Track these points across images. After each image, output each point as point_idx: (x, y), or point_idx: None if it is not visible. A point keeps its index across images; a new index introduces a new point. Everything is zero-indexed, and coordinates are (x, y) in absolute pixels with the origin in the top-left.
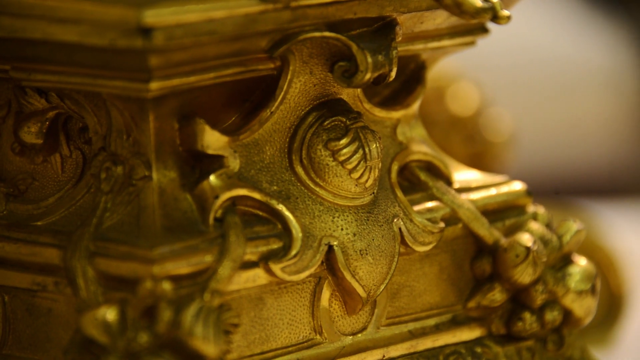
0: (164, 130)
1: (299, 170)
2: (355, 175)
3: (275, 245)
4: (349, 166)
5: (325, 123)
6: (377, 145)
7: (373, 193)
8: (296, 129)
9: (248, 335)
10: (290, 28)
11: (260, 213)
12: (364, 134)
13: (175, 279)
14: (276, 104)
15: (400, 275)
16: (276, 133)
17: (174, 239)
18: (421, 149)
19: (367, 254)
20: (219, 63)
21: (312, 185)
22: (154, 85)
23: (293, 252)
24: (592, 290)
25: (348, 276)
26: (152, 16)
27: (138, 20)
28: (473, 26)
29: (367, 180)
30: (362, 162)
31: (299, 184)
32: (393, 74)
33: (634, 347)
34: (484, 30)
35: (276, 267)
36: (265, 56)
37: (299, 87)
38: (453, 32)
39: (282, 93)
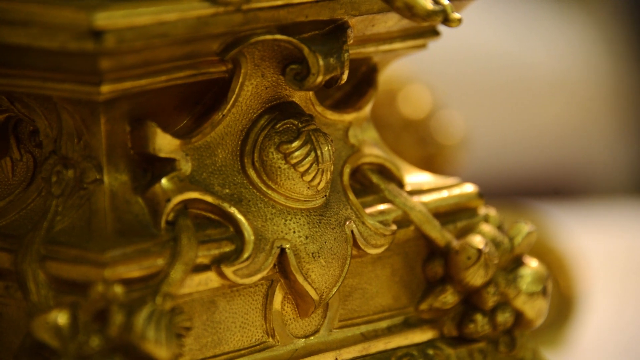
0: (115, 134)
1: (251, 173)
2: (308, 178)
3: (228, 248)
4: (301, 169)
5: (277, 126)
6: (329, 148)
7: (325, 196)
8: (248, 131)
9: (200, 338)
10: (242, 31)
11: (212, 216)
12: (315, 136)
13: (127, 282)
14: (228, 107)
15: (353, 277)
16: (228, 136)
17: (125, 242)
18: (373, 151)
19: (319, 256)
20: (170, 66)
21: (264, 188)
22: (105, 88)
23: (245, 255)
24: (544, 292)
25: (300, 279)
26: (103, 19)
27: (89, 23)
28: (424, 29)
29: (319, 183)
30: (314, 165)
31: (251, 187)
32: (345, 76)
33: (585, 348)
34: (435, 33)
35: (228, 270)
36: (217, 59)
37: (250, 90)
38: (404, 35)
39: (234, 96)
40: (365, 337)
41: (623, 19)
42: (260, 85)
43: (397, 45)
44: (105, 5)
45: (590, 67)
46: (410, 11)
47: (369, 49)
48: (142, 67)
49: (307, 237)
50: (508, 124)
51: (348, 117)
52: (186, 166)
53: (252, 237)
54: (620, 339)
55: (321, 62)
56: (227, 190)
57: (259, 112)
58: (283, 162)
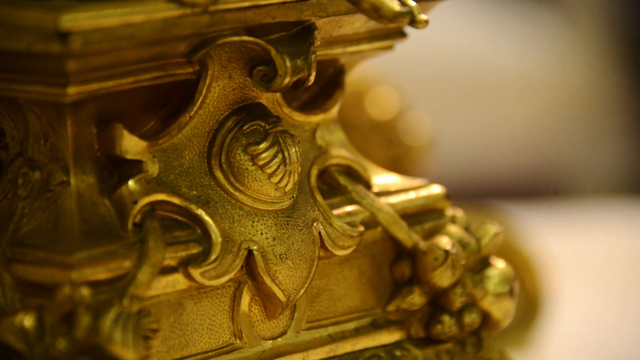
0: (82, 135)
1: (219, 174)
2: (275, 179)
3: (195, 250)
4: (269, 170)
5: (245, 127)
6: (297, 149)
7: (292, 197)
8: (215, 133)
9: (167, 340)
10: (209, 32)
11: (180, 218)
12: (283, 138)
13: (94, 284)
14: (195, 108)
15: (320, 279)
16: (195, 138)
17: (92, 244)
18: (340, 153)
19: (286, 258)
20: (137, 67)
21: (231, 190)
22: (72, 90)
23: (212, 257)
24: (510, 293)
25: (268, 280)
26: (70, 20)
27: (55, 24)
28: (391, 30)
29: (286, 185)
30: (281, 167)
31: (218, 189)
32: (312, 78)
33: (552, 348)
34: (402, 34)
35: (196, 272)
36: (184, 61)
37: (217, 91)
38: (371, 37)
39: (201, 97)
40: (333, 339)
41: (593, 20)
42: (228, 86)
43: (364, 46)
44: (72, 7)
45: (558, 69)
46: (377, 13)
47: (336, 51)
48: (108, 69)
49: (274, 239)
50: (475, 126)
51: (315, 118)
52: (153, 168)
53: (220, 239)
54: (587, 339)
55: (288, 64)
56: (195, 192)
57: (226, 113)
58: (250, 163)
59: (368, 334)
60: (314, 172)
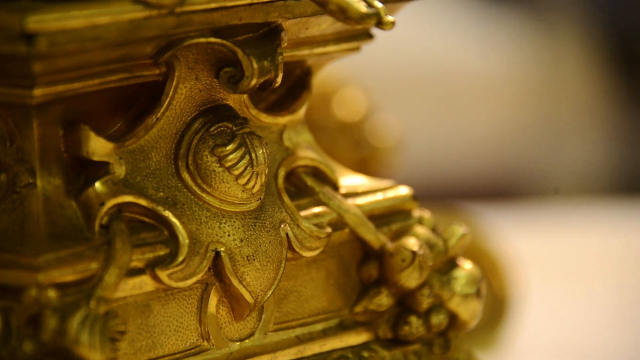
0: (49, 137)
1: (186, 176)
2: (242, 181)
3: (162, 251)
4: (236, 172)
5: (212, 129)
6: (264, 151)
7: (260, 199)
8: (182, 135)
9: (135, 342)
10: (175, 34)
11: (147, 220)
12: (250, 139)
13: (61, 286)
14: (162, 110)
15: (288, 280)
16: (162, 139)
17: (59, 246)
18: (308, 154)
19: (254, 259)
20: (103, 69)
21: (198, 192)
22: (38, 92)
23: (180, 259)
24: (478, 294)
25: (235, 282)
26: (36, 22)
27: (21, 26)
28: (358, 32)
29: (253, 186)
30: (248, 168)
31: (185, 190)
32: (279, 79)
33: (519, 349)
34: (368, 36)
35: (163, 274)
36: (150, 62)
37: (184, 93)
38: (338, 38)
39: (168, 99)
40: (301, 340)
41: (561, 21)
42: (194, 88)
43: (331, 48)
44: (38, 8)
45: (526, 70)
46: (343, 14)
47: (303, 52)
48: (75, 71)
49: (242, 240)
50: (443, 127)
51: (282, 119)
52: (120, 170)
53: (187, 241)
54: (554, 340)
55: (255, 65)
56: (162, 194)
57: (193, 115)
58: (217, 165)
59: (336, 335)
60: (282, 173)
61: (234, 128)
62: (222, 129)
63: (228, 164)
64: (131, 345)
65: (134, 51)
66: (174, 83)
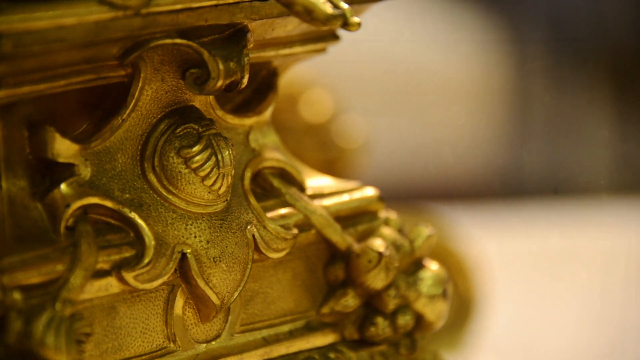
0: (13, 139)
1: (152, 177)
2: (208, 182)
3: (128, 253)
4: (202, 173)
5: (178, 130)
6: (230, 152)
7: (226, 200)
8: (148, 136)
9: (101, 344)
10: (141, 35)
11: (113, 221)
12: (216, 141)
13: (26, 288)
14: (127, 111)
15: (254, 282)
16: (128, 141)
17: (24, 248)
18: (274, 155)
19: (220, 261)
20: (69, 70)
21: (164, 193)
22: (2, 93)
23: (146, 260)
24: (444, 295)
25: (202, 284)
26: (0, 23)
27: None
28: (324, 33)
29: (220, 188)
30: (214, 170)
31: (151, 192)
32: (245, 80)
33: (484, 349)
34: (334, 37)
35: (129, 276)
36: (116, 63)
37: (150, 94)
38: (304, 39)
39: (134, 100)
40: (267, 342)
41: (523, 20)
42: (160, 89)
43: (297, 49)
44: (2, 9)
45: (489, 71)
46: (309, 15)
47: (269, 53)
48: (40, 72)
49: (208, 242)
50: (408, 127)
51: (249, 121)
52: (85, 171)
53: (153, 242)
54: (519, 340)
55: (221, 66)
56: (127, 195)
57: (159, 116)
58: (183, 166)
59: (302, 336)
60: (248, 174)
61: (200, 130)
62: (188, 130)
63: (194, 166)
64: (97, 347)
65: (99, 52)
66: (140, 84)
